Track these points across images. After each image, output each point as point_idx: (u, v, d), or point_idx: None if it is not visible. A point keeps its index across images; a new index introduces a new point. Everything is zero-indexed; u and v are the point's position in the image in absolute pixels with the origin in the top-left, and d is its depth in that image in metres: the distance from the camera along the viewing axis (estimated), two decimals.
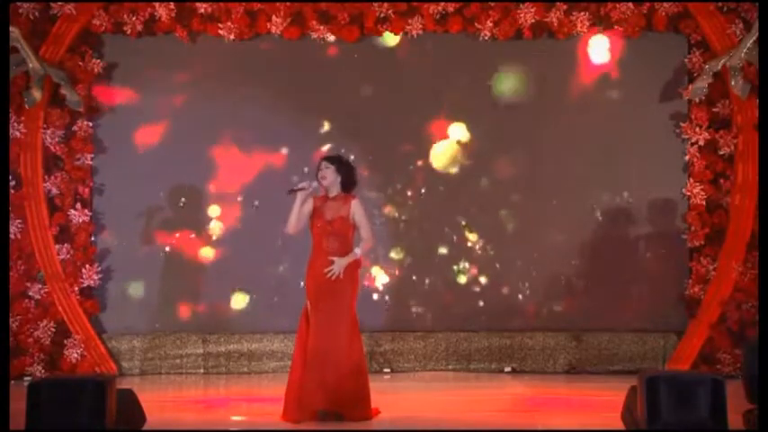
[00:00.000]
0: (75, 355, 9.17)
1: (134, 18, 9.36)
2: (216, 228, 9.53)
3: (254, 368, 9.43)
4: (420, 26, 9.38)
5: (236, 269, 9.49)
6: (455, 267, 9.52)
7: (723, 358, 8.98)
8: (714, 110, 9.26)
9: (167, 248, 9.52)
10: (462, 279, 9.53)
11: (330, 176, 7.03)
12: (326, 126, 9.53)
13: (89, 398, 5.62)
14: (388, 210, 9.54)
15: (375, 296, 9.49)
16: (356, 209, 7.02)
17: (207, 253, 9.55)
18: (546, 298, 9.50)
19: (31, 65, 9.01)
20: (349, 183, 7.11)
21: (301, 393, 6.81)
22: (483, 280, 9.51)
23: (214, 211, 9.56)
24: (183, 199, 9.47)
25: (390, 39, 9.51)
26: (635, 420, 6.08)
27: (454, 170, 9.54)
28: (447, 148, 9.54)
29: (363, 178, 7.22)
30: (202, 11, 9.37)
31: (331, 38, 9.45)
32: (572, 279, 9.49)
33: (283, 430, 6.71)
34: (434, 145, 9.54)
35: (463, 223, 9.48)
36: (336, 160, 7.12)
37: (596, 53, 9.49)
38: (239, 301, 9.52)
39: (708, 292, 9.12)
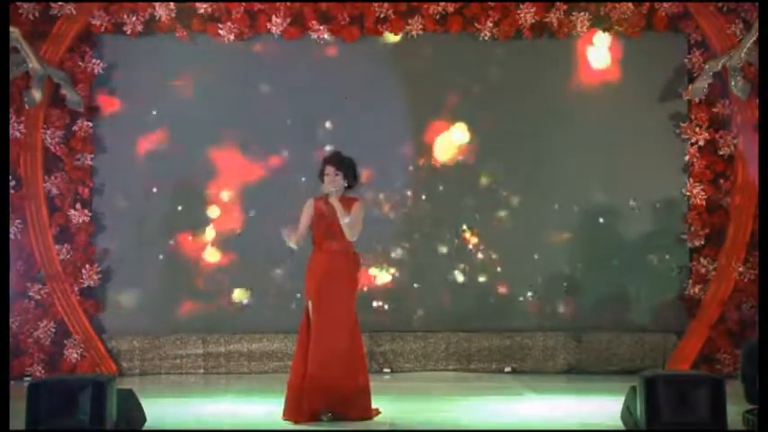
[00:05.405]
0: (75, 356, 9.16)
1: (134, 18, 9.36)
2: (215, 228, 9.54)
3: (254, 368, 9.42)
4: (420, 26, 9.38)
5: (237, 269, 9.49)
6: (455, 267, 9.52)
7: (723, 358, 8.99)
8: (714, 110, 9.26)
9: (167, 249, 9.52)
10: (462, 279, 9.53)
11: (337, 182, 7.01)
12: (327, 126, 9.53)
13: (89, 398, 5.63)
14: (388, 210, 9.54)
15: (375, 296, 9.50)
16: (357, 210, 7.00)
17: (207, 253, 9.55)
18: (546, 298, 9.50)
19: (31, 65, 9.01)
20: (352, 183, 7.11)
21: (302, 393, 6.81)
22: (483, 280, 9.52)
23: (213, 211, 9.56)
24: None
25: (390, 38, 9.52)
26: (635, 420, 6.09)
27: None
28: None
29: (364, 179, 7.19)
30: (202, 11, 9.37)
31: (331, 38, 9.46)
32: (572, 279, 9.49)
33: (283, 430, 6.71)
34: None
35: (463, 227, 9.48)
36: (339, 163, 7.05)
37: (596, 53, 9.51)
38: (239, 300, 9.52)
39: (708, 292, 9.13)
